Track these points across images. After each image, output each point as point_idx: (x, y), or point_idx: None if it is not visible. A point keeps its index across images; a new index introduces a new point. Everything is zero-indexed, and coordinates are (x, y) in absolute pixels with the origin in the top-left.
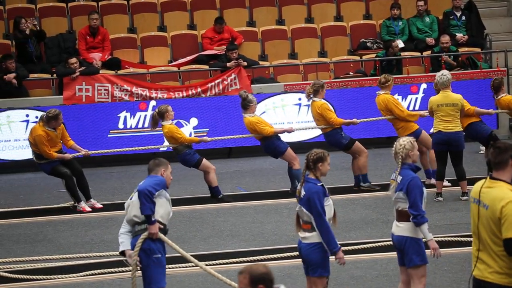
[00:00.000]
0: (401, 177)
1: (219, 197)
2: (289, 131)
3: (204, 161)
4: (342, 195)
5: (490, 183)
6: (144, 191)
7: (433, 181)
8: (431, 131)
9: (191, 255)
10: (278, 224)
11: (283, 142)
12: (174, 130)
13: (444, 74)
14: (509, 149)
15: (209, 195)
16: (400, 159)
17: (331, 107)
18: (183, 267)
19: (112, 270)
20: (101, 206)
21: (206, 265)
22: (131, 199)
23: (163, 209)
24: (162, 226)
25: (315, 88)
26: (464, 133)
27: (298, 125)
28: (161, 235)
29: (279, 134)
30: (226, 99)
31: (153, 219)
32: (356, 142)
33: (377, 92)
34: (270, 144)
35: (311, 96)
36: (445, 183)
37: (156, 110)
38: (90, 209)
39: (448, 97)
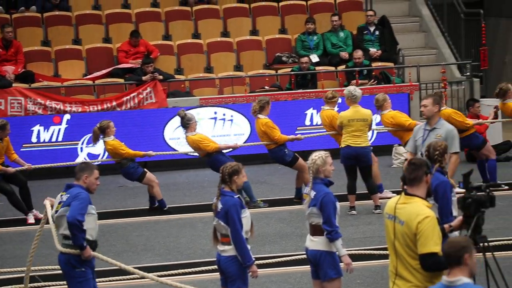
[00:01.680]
0: (314, 192)
1: (165, 209)
2: (234, 147)
3: (148, 174)
4: (256, 209)
5: (406, 199)
6: (74, 222)
7: (384, 194)
8: (340, 146)
9: (101, 271)
10: (193, 238)
11: (228, 157)
12: (117, 145)
13: (354, 90)
14: (423, 165)
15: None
16: (311, 174)
17: (275, 125)
18: (116, 280)
19: (22, 286)
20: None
21: (120, 280)
22: (56, 212)
23: (91, 225)
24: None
25: (261, 104)
26: (371, 147)
27: (242, 141)
28: (93, 253)
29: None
30: (141, 113)
31: (85, 245)
32: (300, 158)
33: (322, 107)
34: (214, 160)
35: (257, 112)
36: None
37: (98, 125)
38: (33, 221)
39: (359, 112)
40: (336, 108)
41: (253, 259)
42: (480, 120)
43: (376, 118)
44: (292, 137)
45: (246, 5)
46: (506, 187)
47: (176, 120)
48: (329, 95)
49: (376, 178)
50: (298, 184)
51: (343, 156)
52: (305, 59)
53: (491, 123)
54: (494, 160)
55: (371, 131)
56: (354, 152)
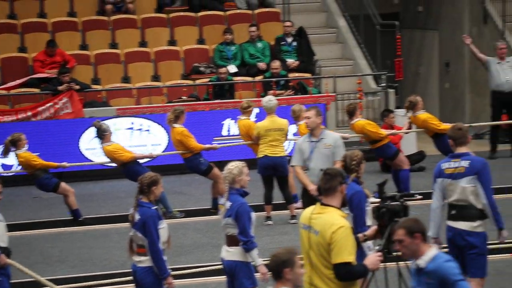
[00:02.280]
0: (230, 203)
1: (79, 219)
2: (150, 157)
3: (62, 184)
4: (173, 220)
5: (320, 209)
6: None
7: (299, 204)
8: (257, 156)
9: (14, 283)
10: (108, 249)
11: (145, 168)
12: (30, 157)
13: (271, 100)
14: (338, 175)
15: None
16: (227, 184)
17: (190, 134)
18: None
19: None
20: None
21: None
22: None
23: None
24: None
25: (176, 114)
26: (288, 157)
27: (159, 151)
28: (9, 261)
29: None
30: (57, 123)
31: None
32: (215, 168)
33: (238, 117)
34: (131, 171)
35: (172, 122)
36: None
37: (9, 138)
38: None
39: (275, 122)
40: (254, 118)
41: (169, 271)
42: (394, 131)
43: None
44: (207, 146)
45: (164, 15)
46: (420, 197)
47: (92, 131)
48: (244, 105)
49: (291, 188)
50: (214, 194)
51: (260, 166)
52: (223, 70)
53: (405, 133)
54: (407, 170)
55: (287, 142)
56: (272, 162)
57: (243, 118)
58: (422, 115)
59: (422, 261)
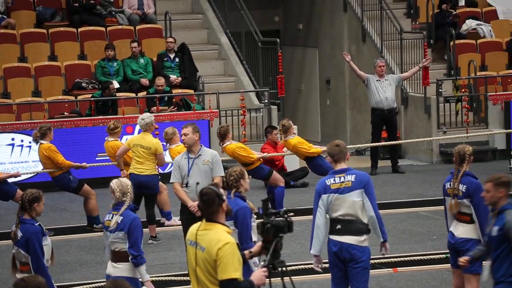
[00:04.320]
0: (121, 217)
1: None
2: (16, 175)
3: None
4: (58, 236)
5: (207, 226)
6: None
7: (171, 222)
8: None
9: None
10: None
11: (12, 185)
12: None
13: (143, 118)
14: (215, 197)
15: None
16: (117, 199)
17: (58, 150)
18: None
19: None
20: None
21: None
22: None
23: None
24: None
25: (43, 131)
26: (159, 176)
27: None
28: None
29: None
30: None
31: None
32: (85, 185)
33: (106, 138)
34: None
35: (39, 139)
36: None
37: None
38: None
39: (144, 139)
40: (124, 138)
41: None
42: (265, 154)
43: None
44: (77, 165)
45: (44, 30)
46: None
47: None
48: (111, 126)
49: (165, 206)
50: (88, 212)
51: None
52: (112, 86)
53: (280, 155)
54: (283, 187)
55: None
56: (137, 180)
57: (111, 140)
58: (293, 139)
59: None
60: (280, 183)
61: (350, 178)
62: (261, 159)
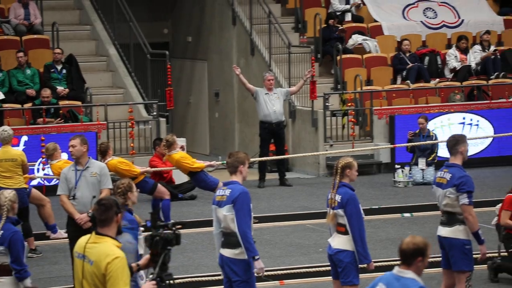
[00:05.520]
0: (1, 231)
1: None
2: None
3: None
4: None
5: (96, 239)
6: None
7: (57, 234)
8: None
9: None
10: None
11: None
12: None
13: (5, 130)
14: (114, 205)
15: None
16: (5, 212)
17: None
18: None
19: None
20: None
21: None
22: None
23: None
24: None
25: None
26: (28, 189)
27: None
28: None
29: None
30: None
31: None
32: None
33: None
34: None
35: None
36: None
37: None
38: None
39: (8, 152)
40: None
41: None
42: (148, 169)
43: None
44: None
45: None
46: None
47: None
48: None
49: (50, 219)
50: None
51: None
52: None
53: (167, 169)
54: (168, 200)
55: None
56: None
57: None
58: (176, 154)
59: None
60: (166, 196)
61: (227, 192)
62: (145, 173)
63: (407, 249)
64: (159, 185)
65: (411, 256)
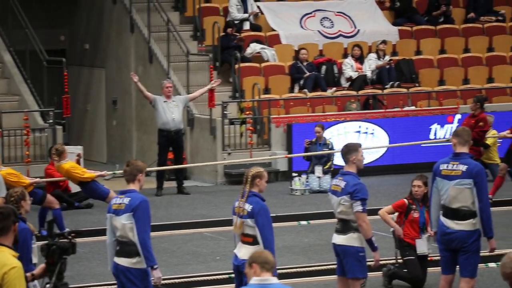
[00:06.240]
0: None
1: None
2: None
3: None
4: None
5: None
6: None
7: None
8: None
9: None
10: None
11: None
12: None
13: None
14: (11, 214)
15: None
16: None
17: None
18: None
19: None
20: None
21: None
22: None
23: None
24: None
25: None
26: None
27: None
28: None
29: None
30: None
31: None
32: None
33: None
34: None
35: None
36: None
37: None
38: None
39: None
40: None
41: None
42: (38, 180)
43: None
44: None
45: None
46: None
47: None
48: None
49: None
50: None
51: None
52: None
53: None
54: (59, 209)
55: None
56: None
57: None
58: (66, 164)
59: None
60: (55, 205)
61: (125, 200)
62: (34, 184)
63: None
64: (48, 195)
65: None
